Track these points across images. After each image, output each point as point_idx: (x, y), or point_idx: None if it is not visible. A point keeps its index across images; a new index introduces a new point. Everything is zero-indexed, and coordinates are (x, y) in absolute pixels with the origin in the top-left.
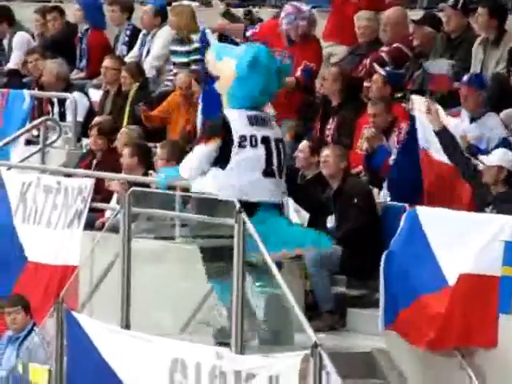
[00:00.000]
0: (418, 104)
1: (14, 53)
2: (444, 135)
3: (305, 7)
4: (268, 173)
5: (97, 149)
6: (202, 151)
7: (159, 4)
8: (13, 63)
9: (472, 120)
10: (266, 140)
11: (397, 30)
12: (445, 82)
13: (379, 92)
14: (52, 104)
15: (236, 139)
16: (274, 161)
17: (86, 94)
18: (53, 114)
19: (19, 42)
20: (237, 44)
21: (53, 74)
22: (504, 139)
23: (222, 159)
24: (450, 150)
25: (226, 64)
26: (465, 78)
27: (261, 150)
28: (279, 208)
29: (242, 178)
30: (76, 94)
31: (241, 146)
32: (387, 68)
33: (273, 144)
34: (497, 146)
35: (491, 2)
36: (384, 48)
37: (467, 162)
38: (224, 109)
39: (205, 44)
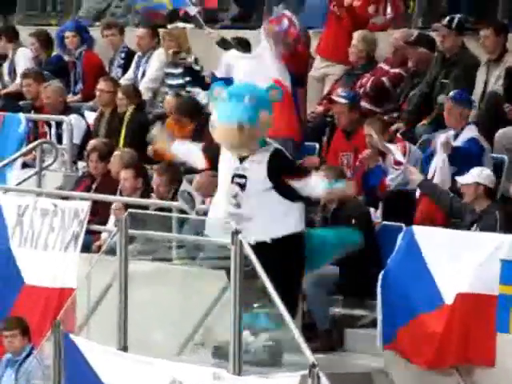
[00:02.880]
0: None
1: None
2: (425, 186)
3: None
4: None
5: (97, 173)
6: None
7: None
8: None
9: (456, 136)
10: None
11: (403, 52)
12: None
13: (349, 119)
14: (49, 126)
15: None
16: None
17: (83, 116)
18: (50, 137)
19: (22, 59)
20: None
21: (57, 95)
22: (472, 139)
23: None
24: (435, 198)
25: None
26: (451, 93)
27: None
28: None
29: None
30: (73, 117)
31: None
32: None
33: None
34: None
35: (495, 22)
36: (385, 67)
37: (452, 202)
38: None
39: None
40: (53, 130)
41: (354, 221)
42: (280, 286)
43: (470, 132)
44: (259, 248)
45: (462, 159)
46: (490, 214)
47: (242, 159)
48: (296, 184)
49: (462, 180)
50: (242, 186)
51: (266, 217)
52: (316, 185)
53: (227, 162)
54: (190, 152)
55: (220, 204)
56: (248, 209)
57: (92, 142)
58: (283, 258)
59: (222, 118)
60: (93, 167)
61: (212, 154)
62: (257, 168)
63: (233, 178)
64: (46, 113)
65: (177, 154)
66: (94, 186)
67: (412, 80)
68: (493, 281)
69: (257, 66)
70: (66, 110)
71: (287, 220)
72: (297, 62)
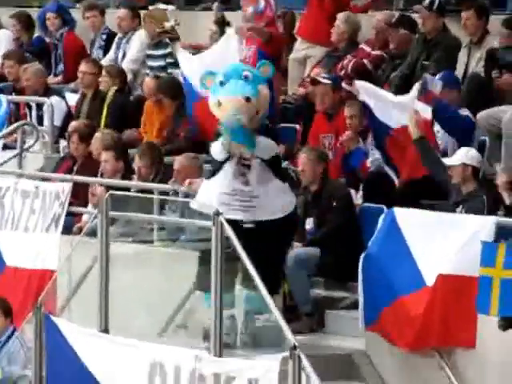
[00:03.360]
0: (364, 89)
1: None
2: (422, 144)
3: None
4: None
5: (78, 155)
6: None
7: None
8: None
9: None
10: None
11: (385, 34)
12: (431, 99)
13: (332, 100)
14: (30, 108)
15: None
16: None
17: (64, 98)
18: (31, 118)
19: (3, 41)
20: None
21: (36, 77)
22: (467, 116)
23: None
24: (427, 158)
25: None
26: (437, 77)
27: None
28: None
29: None
30: (54, 99)
31: None
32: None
33: None
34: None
35: (476, 4)
36: (367, 49)
37: (441, 167)
38: None
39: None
40: (33, 112)
41: (334, 202)
42: (275, 262)
43: (465, 112)
44: (259, 225)
45: (462, 132)
46: (477, 197)
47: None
48: None
49: (448, 161)
50: (248, 167)
51: (271, 195)
52: None
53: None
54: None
55: (214, 188)
56: (255, 186)
57: (73, 124)
58: (284, 233)
59: (228, 93)
60: (74, 148)
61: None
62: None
63: (239, 160)
64: (27, 94)
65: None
66: (75, 168)
67: (393, 61)
68: (474, 262)
69: (219, 56)
70: (47, 91)
71: (286, 197)
72: (271, 46)
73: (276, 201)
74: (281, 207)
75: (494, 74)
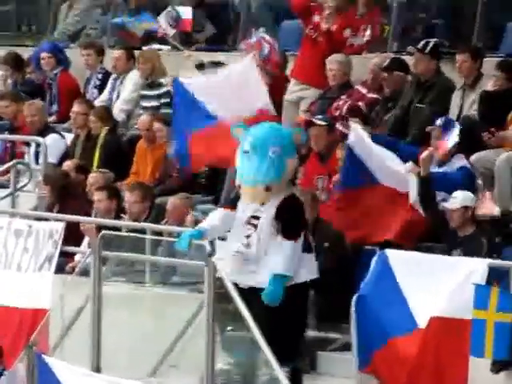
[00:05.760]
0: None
1: None
2: (426, 183)
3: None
4: None
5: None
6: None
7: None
8: None
9: (440, 164)
10: None
11: (380, 77)
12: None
13: (326, 141)
14: (29, 145)
15: None
16: None
17: (63, 136)
18: (29, 155)
19: None
20: None
21: (40, 112)
22: (464, 167)
23: None
24: (426, 199)
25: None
26: (438, 121)
27: None
28: None
29: None
30: (53, 136)
31: None
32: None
33: None
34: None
35: (470, 46)
36: (363, 91)
37: (438, 212)
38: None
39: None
40: (32, 149)
41: (326, 244)
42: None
43: (461, 161)
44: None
45: (451, 187)
46: (475, 240)
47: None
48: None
49: (449, 205)
50: (255, 227)
51: (271, 264)
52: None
53: (248, 205)
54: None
55: (231, 243)
56: (257, 251)
57: (65, 164)
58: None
59: (248, 181)
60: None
61: (232, 201)
62: (269, 209)
63: (249, 219)
64: (25, 132)
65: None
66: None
67: (386, 104)
68: (467, 305)
69: (236, 90)
70: (47, 129)
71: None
72: (276, 88)
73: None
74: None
75: (486, 137)
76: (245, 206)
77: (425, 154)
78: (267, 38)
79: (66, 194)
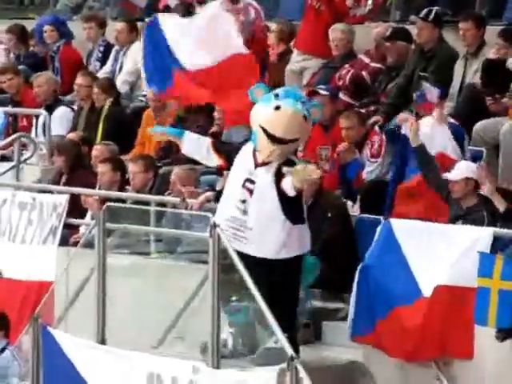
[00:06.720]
0: (406, 121)
1: None
2: (421, 151)
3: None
4: None
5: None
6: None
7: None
8: None
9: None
10: None
11: (383, 47)
12: (430, 109)
13: (330, 111)
14: (37, 117)
15: None
16: None
17: (73, 109)
18: (36, 128)
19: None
20: None
21: (48, 84)
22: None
23: None
24: (426, 166)
25: None
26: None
27: None
28: None
29: None
30: (62, 108)
31: None
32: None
33: None
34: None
35: (474, 14)
36: (366, 60)
37: (440, 178)
38: None
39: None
40: (40, 121)
41: (330, 214)
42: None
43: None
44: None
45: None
46: (477, 213)
47: (257, 165)
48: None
49: (451, 176)
50: (251, 192)
51: (266, 233)
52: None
53: (242, 166)
54: (201, 147)
55: (227, 207)
56: (253, 217)
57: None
58: (281, 276)
59: (290, 104)
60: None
61: (225, 152)
62: (265, 174)
63: (244, 182)
64: (38, 102)
65: (186, 148)
66: (62, 181)
67: (390, 73)
68: (471, 273)
69: (209, 32)
70: (57, 101)
71: (285, 241)
72: (255, 47)
73: (268, 244)
74: (270, 250)
75: (489, 101)
76: (239, 164)
77: (410, 125)
78: (254, 3)
79: (78, 164)
